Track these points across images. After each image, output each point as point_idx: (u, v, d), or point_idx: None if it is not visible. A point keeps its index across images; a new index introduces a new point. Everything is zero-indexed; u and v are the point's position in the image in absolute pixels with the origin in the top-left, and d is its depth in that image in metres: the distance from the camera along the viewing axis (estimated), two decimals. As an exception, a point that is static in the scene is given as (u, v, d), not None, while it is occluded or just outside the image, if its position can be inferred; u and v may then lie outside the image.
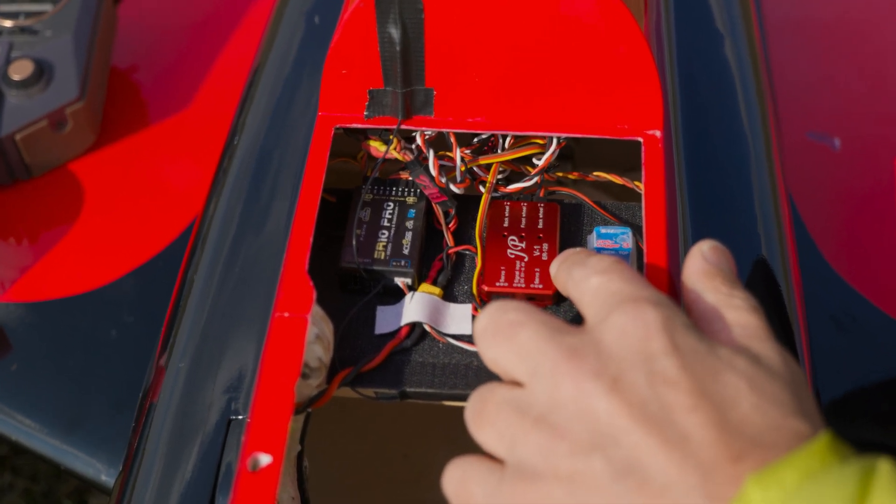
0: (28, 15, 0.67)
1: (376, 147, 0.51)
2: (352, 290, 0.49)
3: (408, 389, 0.46)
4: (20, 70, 0.63)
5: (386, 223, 0.50)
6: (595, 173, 0.52)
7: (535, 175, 0.51)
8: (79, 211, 0.65)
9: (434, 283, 0.49)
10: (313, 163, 0.49)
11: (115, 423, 0.56)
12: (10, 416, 0.57)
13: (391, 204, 0.51)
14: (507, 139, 0.51)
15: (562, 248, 0.49)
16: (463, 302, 0.49)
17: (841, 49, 0.74)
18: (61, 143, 0.65)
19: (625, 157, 0.55)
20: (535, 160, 0.51)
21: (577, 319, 0.46)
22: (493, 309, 0.40)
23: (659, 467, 0.34)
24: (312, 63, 0.58)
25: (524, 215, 0.50)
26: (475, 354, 0.47)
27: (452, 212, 0.51)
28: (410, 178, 0.51)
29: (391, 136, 0.50)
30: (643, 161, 0.49)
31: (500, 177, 0.52)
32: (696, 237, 0.47)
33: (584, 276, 0.40)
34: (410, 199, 0.51)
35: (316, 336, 0.45)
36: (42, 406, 0.57)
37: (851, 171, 0.67)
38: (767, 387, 0.36)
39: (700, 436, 0.34)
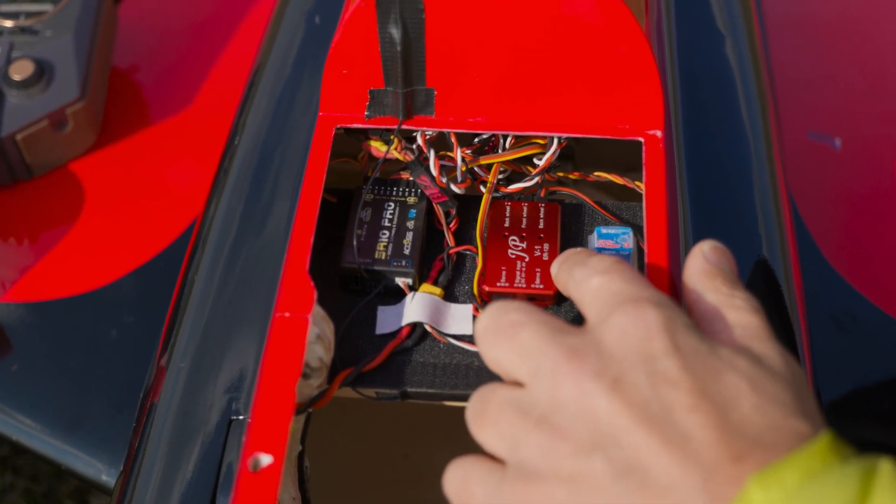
0: (28, 15, 0.67)
1: (377, 147, 0.51)
2: (353, 291, 0.49)
3: (409, 389, 0.46)
4: (21, 70, 0.63)
5: (387, 223, 0.50)
6: (596, 173, 0.52)
7: (536, 175, 0.51)
8: (79, 211, 0.65)
9: (435, 283, 0.49)
10: (314, 163, 0.49)
11: (116, 424, 0.56)
12: (11, 416, 0.57)
13: (392, 204, 0.51)
14: (508, 139, 0.51)
15: (563, 249, 0.48)
16: (464, 302, 0.49)
17: (842, 48, 0.74)
18: (62, 143, 0.65)
19: (626, 157, 0.55)
20: (535, 160, 0.51)
21: (577, 320, 0.46)
22: (494, 309, 0.40)
23: (660, 468, 0.34)
24: (313, 63, 0.58)
25: (525, 215, 0.50)
26: (476, 355, 0.47)
27: (453, 212, 0.51)
28: (411, 179, 0.51)
29: (392, 137, 0.50)
30: (644, 161, 0.49)
31: (500, 177, 0.51)
32: (697, 237, 0.47)
33: (585, 276, 0.40)
34: (411, 200, 0.51)
35: (317, 336, 0.45)
36: (43, 406, 0.57)
37: (852, 170, 0.66)
38: (768, 387, 0.36)
39: (701, 436, 0.34)
